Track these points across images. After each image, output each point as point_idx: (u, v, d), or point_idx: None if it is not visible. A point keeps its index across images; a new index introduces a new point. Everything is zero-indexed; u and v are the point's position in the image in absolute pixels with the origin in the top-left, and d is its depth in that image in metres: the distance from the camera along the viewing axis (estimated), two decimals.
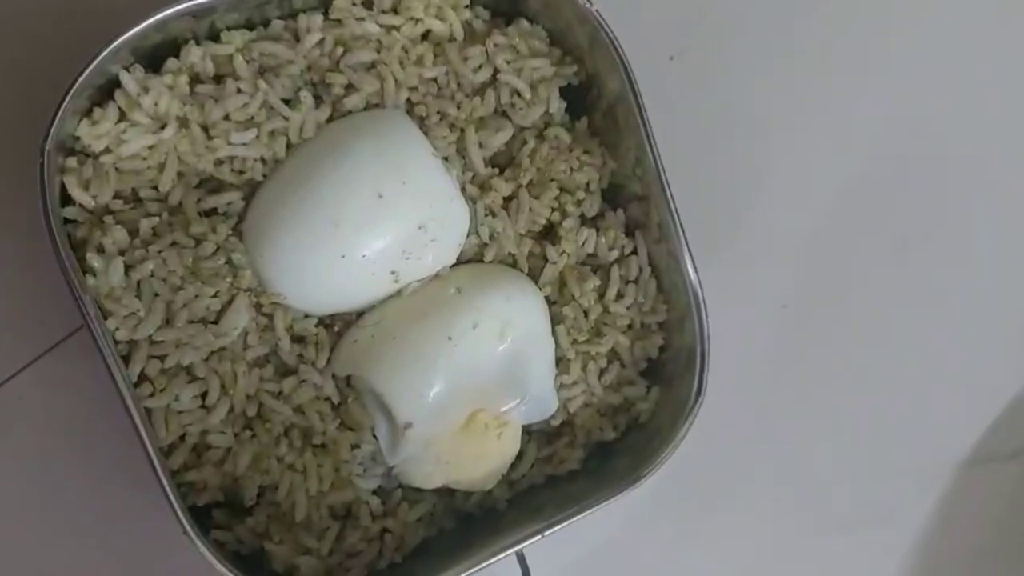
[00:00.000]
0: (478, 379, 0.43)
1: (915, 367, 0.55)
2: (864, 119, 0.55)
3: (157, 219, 0.40)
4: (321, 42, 0.43)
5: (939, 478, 0.55)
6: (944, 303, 0.55)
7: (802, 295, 0.54)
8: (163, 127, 0.40)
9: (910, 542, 0.55)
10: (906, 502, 0.55)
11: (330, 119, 0.43)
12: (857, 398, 0.54)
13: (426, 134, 0.43)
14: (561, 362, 0.45)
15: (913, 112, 0.56)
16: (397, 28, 0.43)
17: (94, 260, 0.39)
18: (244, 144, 0.41)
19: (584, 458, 0.47)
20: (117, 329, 0.39)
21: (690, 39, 0.53)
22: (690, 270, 0.44)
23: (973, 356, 0.55)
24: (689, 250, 0.44)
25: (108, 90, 0.40)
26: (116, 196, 0.41)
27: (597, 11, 0.43)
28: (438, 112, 0.44)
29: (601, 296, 0.46)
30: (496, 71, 0.45)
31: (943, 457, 0.55)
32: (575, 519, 0.42)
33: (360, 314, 0.44)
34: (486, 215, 0.45)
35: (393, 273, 0.43)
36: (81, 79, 0.38)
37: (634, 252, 0.46)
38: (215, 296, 0.41)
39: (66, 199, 0.40)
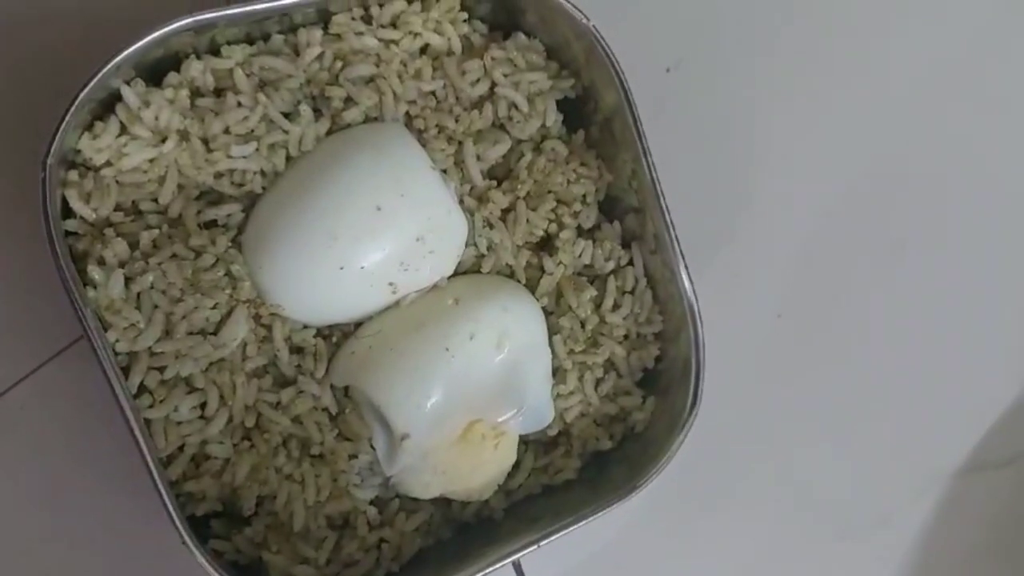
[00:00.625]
0: (475, 389, 0.43)
1: (911, 374, 0.55)
2: (859, 129, 0.55)
3: (157, 231, 0.41)
4: (320, 56, 0.43)
5: (936, 484, 0.55)
6: (940, 310, 0.56)
7: (796, 304, 0.54)
8: (164, 140, 0.41)
9: (907, 546, 0.55)
10: (903, 507, 0.55)
11: (329, 132, 0.43)
12: (853, 405, 0.54)
13: (424, 147, 0.44)
14: (558, 372, 0.46)
15: (909, 119, 0.56)
16: (396, 42, 0.44)
17: (95, 272, 0.39)
18: (244, 157, 0.42)
19: (580, 467, 0.47)
20: (117, 341, 0.40)
21: (685, 52, 0.53)
22: (685, 281, 0.44)
23: (970, 364, 0.56)
24: (684, 261, 0.44)
25: (109, 104, 0.40)
26: (117, 209, 0.41)
27: (594, 26, 0.43)
28: (436, 125, 0.44)
29: (598, 307, 0.46)
30: (494, 84, 0.45)
31: (940, 463, 0.55)
32: (571, 529, 0.43)
33: (358, 325, 0.44)
34: (484, 227, 0.45)
35: (391, 284, 0.43)
36: (83, 93, 0.38)
37: (630, 263, 0.47)
38: (214, 307, 0.41)
39: (67, 212, 0.40)
